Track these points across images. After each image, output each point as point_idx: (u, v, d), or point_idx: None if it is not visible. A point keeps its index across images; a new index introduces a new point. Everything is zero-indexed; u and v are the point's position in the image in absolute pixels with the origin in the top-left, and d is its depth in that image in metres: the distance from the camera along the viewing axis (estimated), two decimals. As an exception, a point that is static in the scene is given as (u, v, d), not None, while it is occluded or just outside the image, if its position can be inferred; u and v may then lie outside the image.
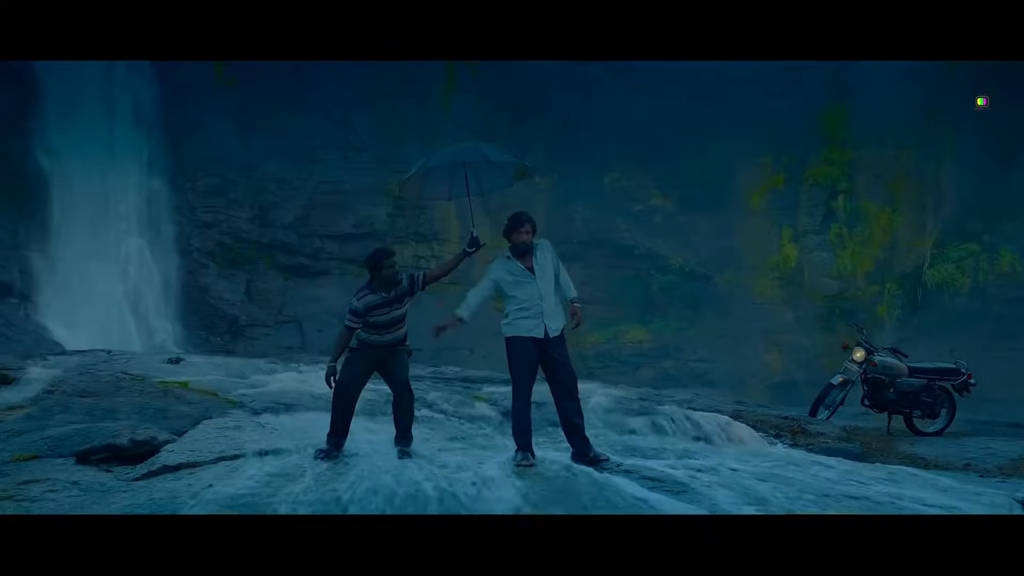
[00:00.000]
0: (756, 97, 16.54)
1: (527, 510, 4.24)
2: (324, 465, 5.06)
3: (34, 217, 14.26)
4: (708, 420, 6.99)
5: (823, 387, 8.95)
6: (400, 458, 5.33)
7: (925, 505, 4.86)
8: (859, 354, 8.88)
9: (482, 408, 7.32)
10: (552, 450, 5.75)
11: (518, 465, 5.10)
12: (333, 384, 5.43)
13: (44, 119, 14.56)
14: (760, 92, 16.53)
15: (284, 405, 7.60)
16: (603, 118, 16.42)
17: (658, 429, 6.65)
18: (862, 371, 8.87)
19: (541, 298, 5.33)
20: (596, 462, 5.22)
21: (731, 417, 7.82)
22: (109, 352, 11.19)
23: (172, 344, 14.36)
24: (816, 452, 6.95)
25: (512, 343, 5.40)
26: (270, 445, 5.55)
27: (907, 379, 8.91)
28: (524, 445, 5.26)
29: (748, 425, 7.56)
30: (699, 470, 5.25)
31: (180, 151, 14.98)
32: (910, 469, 6.37)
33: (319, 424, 6.54)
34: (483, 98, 16.36)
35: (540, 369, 5.46)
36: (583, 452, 5.31)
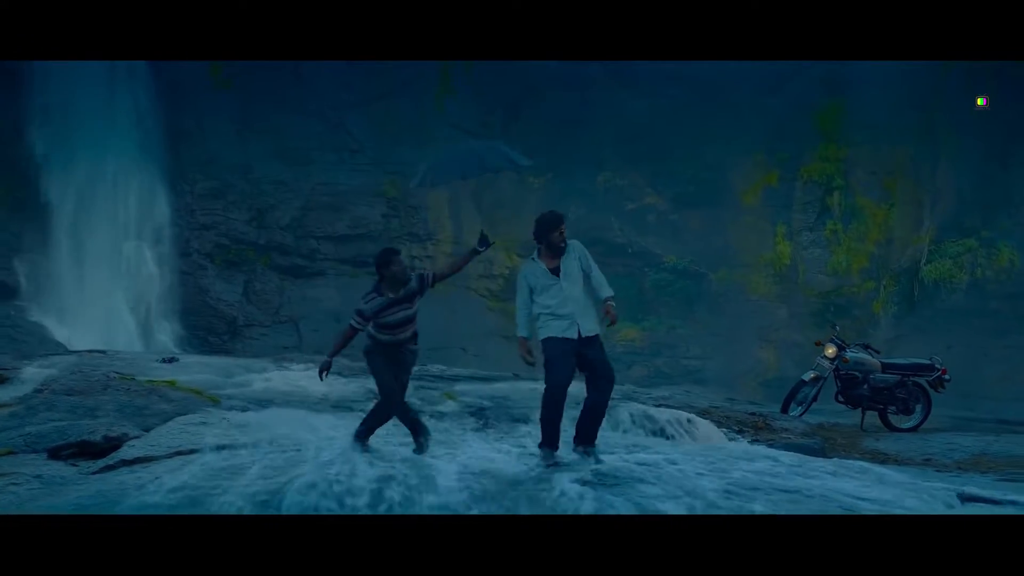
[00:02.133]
0: (751, 95, 16.52)
1: (457, 508, 4.37)
2: (274, 459, 5.25)
3: (37, 221, 14.63)
4: (669, 417, 7.10)
5: (795, 383, 9.03)
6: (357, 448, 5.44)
7: (859, 499, 4.95)
8: (830, 350, 8.96)
9: (450, 405, 7.49)
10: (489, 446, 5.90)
11: (546, 465, 5.22)
12: (324, 378, 5.49)
13: (47, 124, 14.93)
14: (755, 90, 16.50)
15: (263, 403, 7.83)
16: (597, 117, 16.51)
17: (615, 425, 6.77)
18: (834, 367, 8.95)
19: (568, 300, 5.31)
20: (596, 457, 5.31)
21: (699, 414, 7.94)
22: (105, 352, 11.52)
23: (172, 344, 14.68)
24: (777, 447, 7.05)
25: (546, 343, 5.37)
26: (229, 440, 5.76)
27: (880, 375, 8.99)
28: (549, 444, 5.37)
29: (713, 422, 7.68)
30: (641, 463, 5.37)
31: (179, 154, 15.29)
32: (864, 463, 6.44)
33: (286, 420, 6.78)
34: (477, 99, 16.51)
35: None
36: (585, 444, 5.39)
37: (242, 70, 15.31)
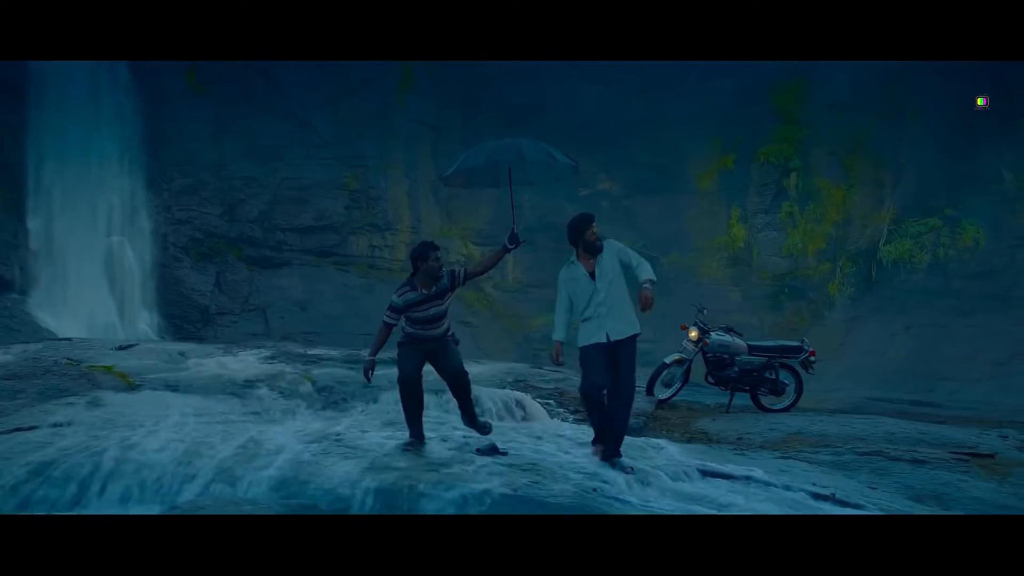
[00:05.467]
0: (706, 78, 16.61)
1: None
2: (93, 434, 6.05)
3: (30, 219, 15.97)
4: (497, 397, 7.66)
5: (657, 365, 9.40)
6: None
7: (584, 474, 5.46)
8: (693, 333, 9.32)
9: (306, 385, 8.21)
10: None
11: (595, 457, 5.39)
12: (370, 378, 5.48)
13: (38, 128, 16.21)
14: (710, 73, 16.59)
15: (177, 385, 8.68)
16: (553, 107, 16.89)
17: (441, 406, 7.37)
18: (698, 350, 9.29)
19: (597, 302, 5.28)
20: (622, 468, 5.31)
21: (550, 395, 8.47)
22: (71, 340, 12.66)
23: (151, 331, 15.87)
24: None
25: (582, 354, 5.37)
26: (65, 419, 6.62)
27: (747, 357, 9.30)
28: (596, 441, 5.51)
29: (555, 403, 8.21)
30: (444, 439, 6.01)
31: (158, 154, 16.40)
32: (660, 442, 6.88)
33: (147, 401, 7.63)
34: (437, 94, 17.10)
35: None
36: (611, 454, 5.40)
37: (216, 75, 16.28)
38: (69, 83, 16.32)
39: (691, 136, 16.51)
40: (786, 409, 9.26)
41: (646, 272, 5.35)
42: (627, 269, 5.42)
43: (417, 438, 5.72)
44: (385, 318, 5.51)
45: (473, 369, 10.57)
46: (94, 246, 16.07)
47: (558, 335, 5.51)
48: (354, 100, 16.91)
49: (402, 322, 5.60)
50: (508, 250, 5.69)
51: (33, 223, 16.01)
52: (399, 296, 5.48)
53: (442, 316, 5.62)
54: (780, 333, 15.33)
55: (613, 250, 5.42)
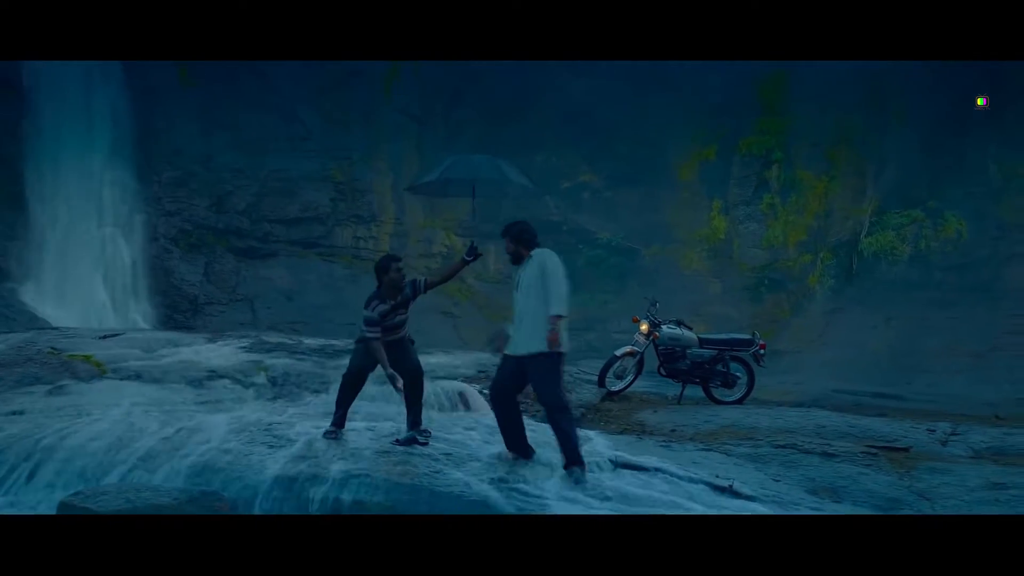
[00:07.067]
0: (689, 69, 16.60)
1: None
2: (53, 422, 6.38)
3: (26, 211, 16.42)
4: (440, 389, 7.91)
5: (608, 358, 9.58)
6: (416, 444, 5.75)
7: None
8: (643, 327, 9.49)
9: (260, 376, 8.51)
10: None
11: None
12: (400, 387, 5.69)
13: (33, 122, 16.63)
14: (693, 66, 16.57)
15: (144, 373, 9.01)
16: (535, 100, 17.01)
17: (384, 396, 7.62)
18: (650, 342, 9.47)
19: (517, 313, 5.34)
20: (572, 478, 5.26)
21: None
22: (59, 328, 13.07)
23: (141, 320, 16.30)
24: (538, 419, 7.76)
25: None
26: (21, 407, 6.97)
27: (697, 350, 9.47)
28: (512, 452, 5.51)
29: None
30: (369, 429, 6.29)
31: (148, 148, 16.75)
32: (590, 434, 7.10)
33: (104, 390, 7.97)
34: (422, 87, 17.28)
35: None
36: (568, 463, 5.36)
37: (205, 70, 16.59)
38: (63, 79, 16.71)
39: (672, 128, 16.57)
40: (738, 401, 9.43)
41: (553, 305, 5.19)
42: (539, 288, 5.28)
43: (339, 424, 6.03)
44: (369, 334, 5.68)
45: (442, 359, 10.90)
46: (87, 237, 16.50)
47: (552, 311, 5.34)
48: (340, 93, 17.14)
49: (361, 324, 5.82)
50: (467, 262, 5.97)
51: (29, 216, 16.47)
52: (372, 310, 5.69)
53: (404, 323, 5.94)
54: (760, 325, 15.40)
55: (538, 263, 5.36)
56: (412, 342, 6.14)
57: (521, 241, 5.47)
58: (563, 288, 5.30)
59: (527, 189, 6.30)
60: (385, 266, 5.80)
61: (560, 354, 5.32)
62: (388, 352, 5.83)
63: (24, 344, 10.44)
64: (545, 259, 5.39)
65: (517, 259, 5.47)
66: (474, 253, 5.87)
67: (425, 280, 6.01)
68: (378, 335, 5.71)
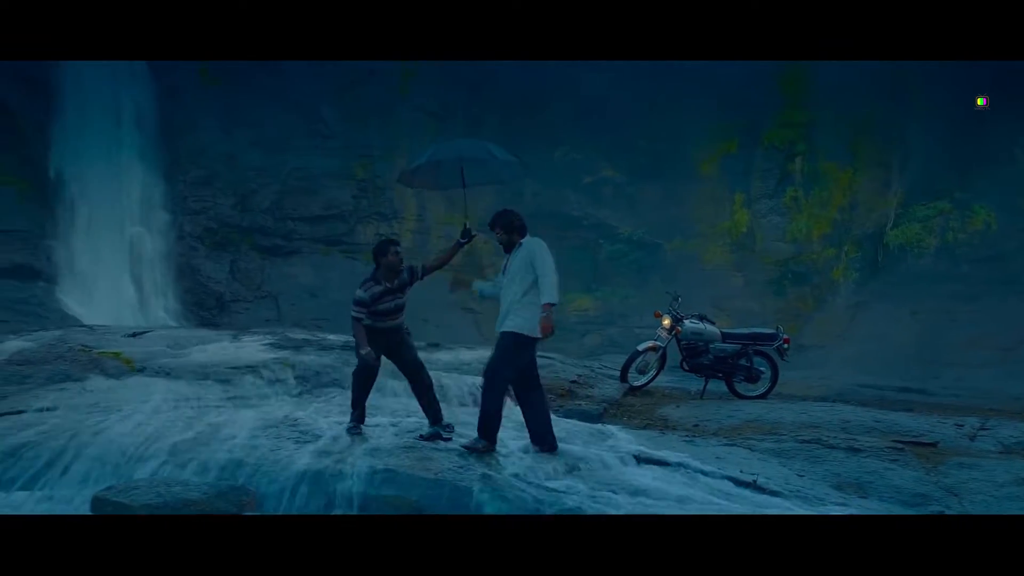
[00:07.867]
0: (708, 64, 16.47)
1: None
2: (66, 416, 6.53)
3: (56, 211, 16.74)
4: (464, 384, 7.97)
5: (631, 353, 9.57)
6: (440, 439, 5.84)
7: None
8: (666, 321, 9.46)
9: (286, 372, 8.61)
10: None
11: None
12: (374, 361, 5.75)
13: (62, 124, 16.95)
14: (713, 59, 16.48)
15: (172, 371, 9.17)
16: (554, 93, 16.99)
17: (394, 392, 7.68)
18: (672, 337, 9.45)
19: (502, 298, 5.54)
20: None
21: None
22: (92, 327, 13.31)
23: (168, 318, 16.57)
24: (559, 414, 7.79)
25: None
26: (53, 403, 7.12)
27: (721, 344, 9.42)
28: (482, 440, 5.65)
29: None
30: (377, 426, 6.36)
31: (174, 147, 17.01)
32: (612, 428, 7.12)
33: (131, 386, 8.11)
34: (439, 82, 17.34)
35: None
36: (541, 445, 5.73)
37: (227, 69, 16.79)
38: (90, 79, 17.01)
39: (693, 121, 16.48)
40: (762, 396, 9.36)
41: (544, 294, 5.29)
42: (528, 275, 5.42)
43: (359, 420, 6.08)
44: (355, 314, 5.72)
45: (463, 356, 10.94)
46: (116, 236, 16.80)
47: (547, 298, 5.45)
48: (360, 91, 17.27)
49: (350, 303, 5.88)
50: (461, 245, 5.98)
51: (59, 215, 16.79)
52: (365, 291, 5.72)
53: (401, 308, 5.93)
54: (783, 319, 15.31)
55: (527, 250, 5.48)
56: (409, 333, 6.14)
57: (514, 229, 5.61)
58: (554, 276, 5.41)
59: (515, 166, 6.31)
60: (384, 249, 5.85)
61: (531, 339, 5.51)
62: (385, 340, 5.86)
63: (55, 342, 10.64)
64: (534, 248, 5.50)
65: (509, 247, 5.62)
66: (468, 235, 5.92)
67: (423, 266, 6.03)
68: (362, 316, 5.71)
